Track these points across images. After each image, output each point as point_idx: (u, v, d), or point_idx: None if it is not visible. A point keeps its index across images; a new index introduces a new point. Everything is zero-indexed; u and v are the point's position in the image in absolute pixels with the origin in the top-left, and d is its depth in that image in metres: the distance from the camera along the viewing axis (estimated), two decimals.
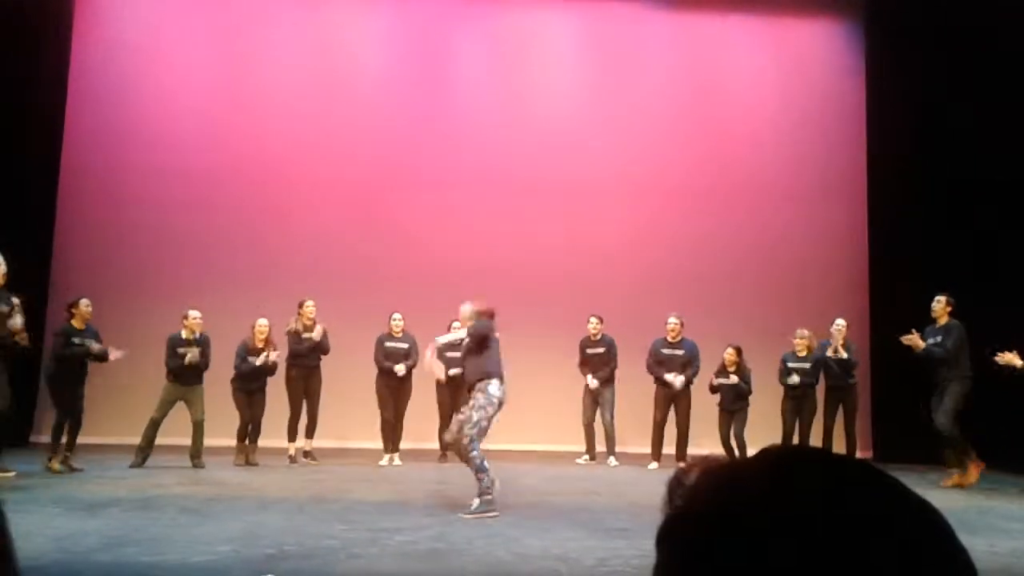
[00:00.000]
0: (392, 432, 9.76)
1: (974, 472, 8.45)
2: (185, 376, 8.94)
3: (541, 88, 12.28)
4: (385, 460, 9.62)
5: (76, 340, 8.51)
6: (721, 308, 11.24)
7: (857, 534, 0.51)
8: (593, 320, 10.34)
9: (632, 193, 11.97)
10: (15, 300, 7.61)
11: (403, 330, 9.92)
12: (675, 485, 0.59)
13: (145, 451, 8.74)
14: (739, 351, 9.90)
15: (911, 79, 11.29)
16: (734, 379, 9.81)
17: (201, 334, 9.10)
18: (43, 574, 4.15)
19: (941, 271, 10.16)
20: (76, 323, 8.60)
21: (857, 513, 0.52)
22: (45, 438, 9.66)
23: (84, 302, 8.67)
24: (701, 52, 12.55)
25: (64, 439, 8.37)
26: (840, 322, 9.83)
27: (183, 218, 11.44)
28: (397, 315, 9.98)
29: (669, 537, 0.56)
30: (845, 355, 9.62)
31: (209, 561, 4.53)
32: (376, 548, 4.97)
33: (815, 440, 9.51)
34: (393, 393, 9.77)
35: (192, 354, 8.88)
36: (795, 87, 12.44)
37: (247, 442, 9.34)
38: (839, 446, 9.28)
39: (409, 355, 9.77)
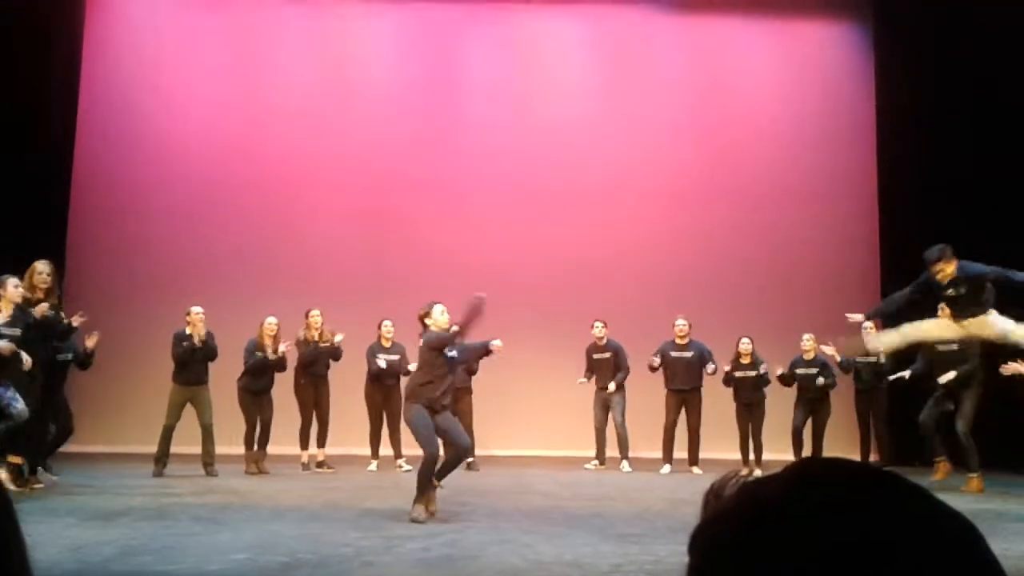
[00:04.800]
0: (377, 439, 9.82)
1: (942, 471, 8.43)
2: (191, 374, 8.89)
3: (550, 92, 12.30)
4: (373, 466, 9.69)
5: None
6: (731, 310, 11.22)
7: (883, 545, 0.52)
8: (598, 325, 10.29)
9: (642, 196, 11.98)
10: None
11: (393, 340, 9.83)
12: (712, 496, 0.61)
13: (163, 460, 8.74)
14: (752, 341, 9.94)
15: (920, 79, 11.28)
16: (753, 373, 9.82)
17: (206, 331, 9.08)
18: None
19: None
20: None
21: (883, 524, 0.53)
22: (74, 447, 9.64)
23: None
24: (710, 54, 12.56)
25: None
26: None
27: (193, 225, 11.50)
28: (388, 322, 9.85)
29: (697, 542, 0.58)
30: (880, 359, 9.40)
31: (224, 570, 4.54)
32: (390, 556, 4.98)
33: (845, 446, 9.49)
34: (385, 400, 9.75)
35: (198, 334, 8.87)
36: (804, 88, 12.43)
37: (255, 448, 9.33)
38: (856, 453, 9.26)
39: (400, 365, 9.74)
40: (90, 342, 8.24)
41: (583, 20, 12.54)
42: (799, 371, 9.74)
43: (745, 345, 9.96)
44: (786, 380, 9.79)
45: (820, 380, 9.60)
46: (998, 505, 7.40)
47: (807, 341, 9.76)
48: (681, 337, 10.12)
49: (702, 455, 9.98)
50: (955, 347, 8.46)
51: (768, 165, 12.20)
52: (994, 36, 10.50)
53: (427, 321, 6.68)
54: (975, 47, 10.70)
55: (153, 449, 8.82)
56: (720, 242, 11.93)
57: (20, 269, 7.61)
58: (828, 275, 11.88)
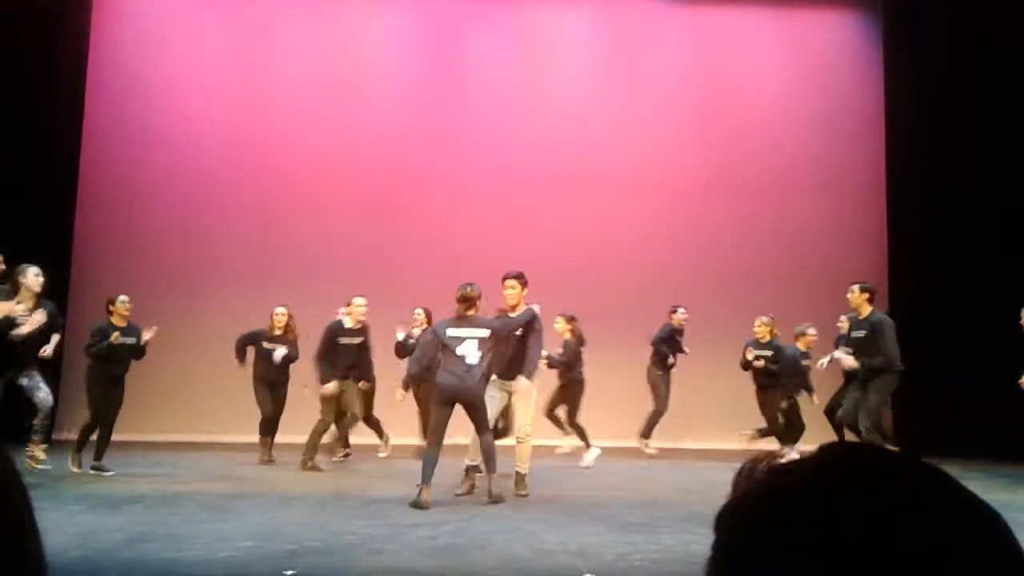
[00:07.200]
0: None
1: None
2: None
3: (555, 84, 12.26)
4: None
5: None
6: (737, 303, 11.20)
7: (911, 532, 0.52)
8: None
9: (648, 188, 11.94)
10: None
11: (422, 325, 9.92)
12: (742, 476, 0.62)
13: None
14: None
15: (929, 70, 11.21)
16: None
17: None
18: (67, 571, 4.19)
19: (961, 264, 10.10)
20: (116, 320, 8.13)
21: (911, 511, 0.53)
22: (69, 435, 9.73)
23: (121, 298, 8.18)
24: (716, 46, 12.51)
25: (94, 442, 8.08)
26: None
27: (199, 216, 11.51)
28: (419, 310, 9.90)
29: (723, 522, 0.60)
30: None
31: (231, 557, 4.57)
32: (396, 543, 5.00)
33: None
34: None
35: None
36: (812, 80, 12.37)
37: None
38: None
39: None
40: (147, 334, 8.17)
41: (588, 12, 12.49)
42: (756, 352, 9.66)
43: None
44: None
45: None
46: (1004, 496, 7.40)
47: (760, 326, 9.70)
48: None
49: (707, 445, 10.00)
50: (864, 332, 7.72)
51: (775, 157, 12.15)
52: (1003, 27, 10.43)
53: None
54: (985, 38, 10.64)
55: (156, 437, 8.84)
56: (726, 234, 11.89)
57: (28, 260, 7.61)
58: (835, 268, 11.82)
